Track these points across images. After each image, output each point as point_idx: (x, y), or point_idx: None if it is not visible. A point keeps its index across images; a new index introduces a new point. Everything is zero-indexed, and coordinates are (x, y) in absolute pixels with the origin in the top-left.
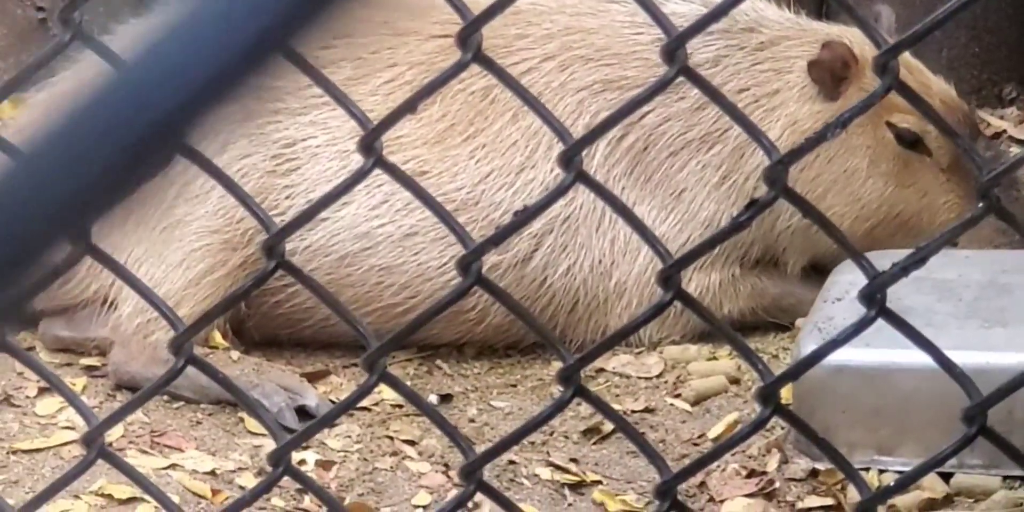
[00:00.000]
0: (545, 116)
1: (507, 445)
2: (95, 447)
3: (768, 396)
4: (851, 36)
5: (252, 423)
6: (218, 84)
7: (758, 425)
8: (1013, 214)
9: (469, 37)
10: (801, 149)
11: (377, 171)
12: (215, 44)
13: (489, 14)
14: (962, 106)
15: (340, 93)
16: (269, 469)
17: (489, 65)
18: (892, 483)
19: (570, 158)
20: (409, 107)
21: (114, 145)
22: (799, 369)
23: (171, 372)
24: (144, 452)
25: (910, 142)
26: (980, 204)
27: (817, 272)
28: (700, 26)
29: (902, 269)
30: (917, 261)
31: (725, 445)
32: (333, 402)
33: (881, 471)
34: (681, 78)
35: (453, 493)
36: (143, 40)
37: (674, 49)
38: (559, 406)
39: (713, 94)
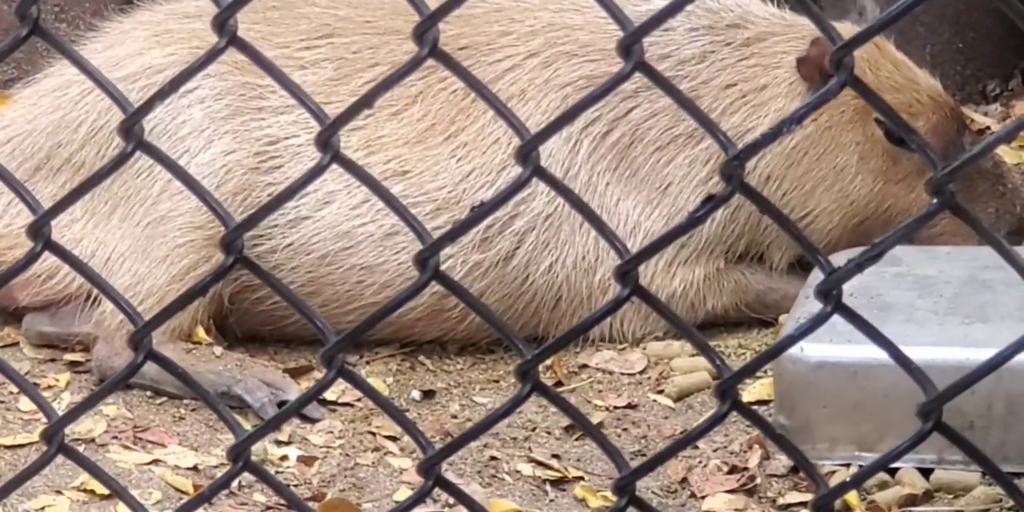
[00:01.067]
0: (502, 112)
1: (465, 441)
2: (55, 442)
3: (726, 392)
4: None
5: (236, 418)
6: None
7: (715, 421)
8: (967, 210)
9: (425, 32)
10: (757, 145)
11: None
12: None
13: (446, 9)
14: (949, 102)
15: (298, 89)
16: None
17: (446, 60)
18: (847, 479)
19: (527, 153)
20: (365, 103)
21: None
22: (755, 365)
23: (131, 367)
24: (127, 447)
25: (899, 138)
26: (934, 200)
27: (801, 268)
28: (656, 22)
29: (857, 265)
30: (872, 257)
31: (683, 441)
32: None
33: (861, 467)
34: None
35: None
36: None
37: (630, 44)
38: (516, 402)
39: (668, 88)
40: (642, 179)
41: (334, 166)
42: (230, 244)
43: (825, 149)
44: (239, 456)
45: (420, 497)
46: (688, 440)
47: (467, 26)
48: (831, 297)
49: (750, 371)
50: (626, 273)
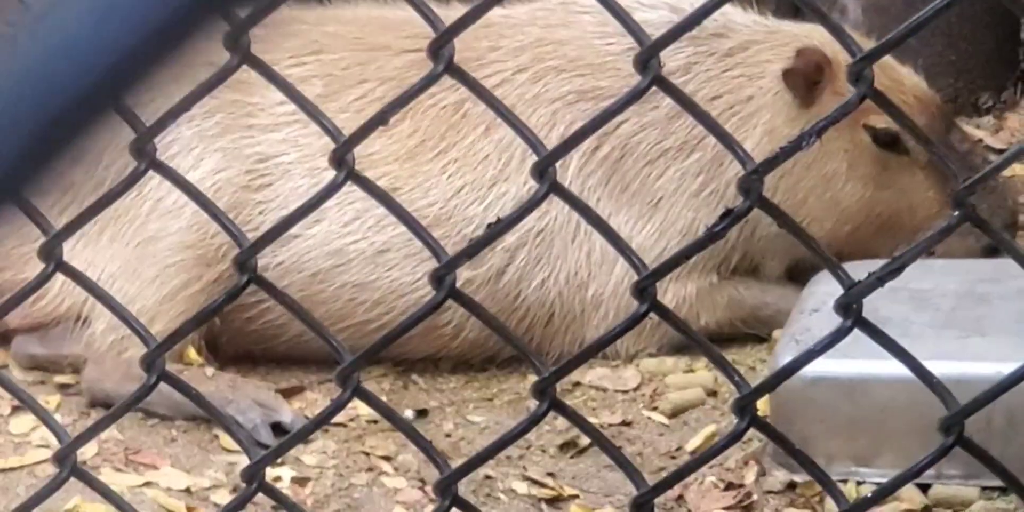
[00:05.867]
0: (518, 128)
1: (482, 459)
2: (67, 465)
3: (744, 408)
4: (819, 36)
5: (227, 440)
6: (151, 43)
7: (735, 437)
8: (987, 222)
9: (441, 49)
10: (776, 158)
11: (348, 188)
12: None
13: (460, 26)
14: (935, 100)
15: (312, 106)
16: (244, 486)
17: (462, 77)
18: (869, 494)
19: (543, 169)
20: (381, 120)
21: (42, 114)
22: (776, 380)
23: (143, 388)
24: (118, 469)
25: (887, 142)
26: (955, 213)
27: (795, 282)
28: (673, 35)
29: (878, 279)
30: (893, 271)
31: (702, 458)
32: (308, 418)
33: (859, 482)
34: (654, 88)
35: (429, 508)
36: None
37: (647, 59)
38: (534, 420)
39: (687, 104)
40: (633, 193)
41: (321, 183)
42: (244, 263)
43: (814, 158)
44: (253, 477)
45: None
46: (708, 456)
47: (456, 41)
48: (851, 311)
49: (769, 387)
50: (644, 289)
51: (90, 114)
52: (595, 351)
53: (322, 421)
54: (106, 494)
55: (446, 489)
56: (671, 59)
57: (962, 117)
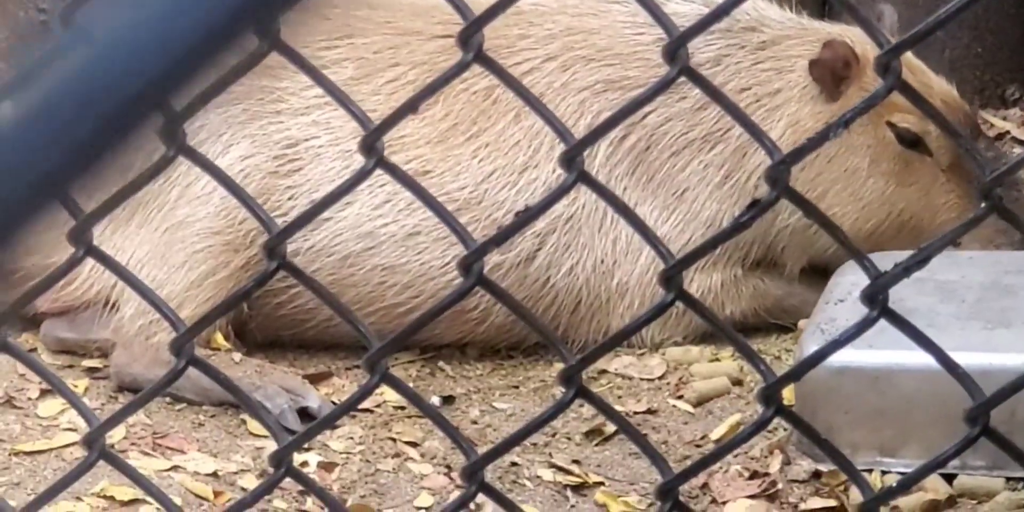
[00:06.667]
0: (547, 116)
1: (509, 446)
2: (96, 448)
3: (770, 397)
4: (852, 35)
5: (254, 425)
6: (196, 49)
7: (760, 426)
8: (1016, 214)
9: (471, 37)
10: (803, 149)
11: (379, 171)
12: (191, 9)
13: (491, 14)
14: (963, 106)
15: (341, 93)
16: (271, 470)
17: (490, 65)
18: (895, 484)
19: (572, 158)
20: (411, 107)
21: (94, 115)
22: (801, 370)
23: (172, 373)
24: (146, 454)
25: (910, 142)
26: (983, 204)
27: (819, 273)
28: (702, 26)
29: (904, 269)
30: (919, 261)
31: (727, 446)
32: (335, 403)
33: (884, 472)
34: (682, 78)
35: (455, 494)
36: (118, 10)
37: (675, 49)
38: (561, 407)
39: (715, 94)
40: (658, 184)
41: (352, 166)
42: (273, 249)
43: (837, 152)
44: (281, 462)
45: (463, 502)
46: (733, 445)
47: (486, 29)
48: (877, 301)
49: (794, 376)
50: (670, 278)
51: (137, 117)
52: (621, 339)
53: (349, 407)
54: (134, 478)
55: (472, 475)
56: (702, 51)
57: (989, 109)
